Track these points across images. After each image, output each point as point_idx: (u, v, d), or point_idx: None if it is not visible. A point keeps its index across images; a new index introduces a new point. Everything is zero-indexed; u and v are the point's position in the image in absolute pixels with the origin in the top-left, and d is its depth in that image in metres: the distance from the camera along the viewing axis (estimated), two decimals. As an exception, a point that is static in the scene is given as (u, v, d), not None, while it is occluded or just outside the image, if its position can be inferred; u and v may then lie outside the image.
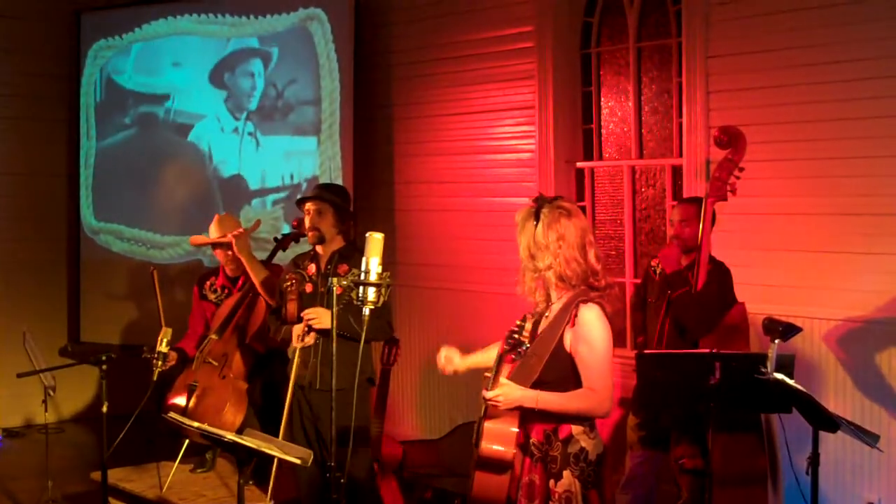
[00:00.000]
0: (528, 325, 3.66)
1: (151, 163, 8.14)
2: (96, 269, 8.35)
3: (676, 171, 6.02)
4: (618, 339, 4.09)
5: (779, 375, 3.69)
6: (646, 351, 4.81)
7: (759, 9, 5.39)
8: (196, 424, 4.02)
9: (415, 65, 7.16)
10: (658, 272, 5.16)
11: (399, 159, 7.32)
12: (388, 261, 4.05)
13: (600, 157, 6.50)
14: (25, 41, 8.27)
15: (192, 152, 7.97)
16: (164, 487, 5.74)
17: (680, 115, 5.91)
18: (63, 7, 8.41)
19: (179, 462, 5.90)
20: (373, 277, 3.87)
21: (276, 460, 4.93)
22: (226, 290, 6.05)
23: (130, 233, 8.22)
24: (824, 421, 3.79)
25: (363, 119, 7.30)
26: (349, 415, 4.21)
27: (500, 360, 3.62)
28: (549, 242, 3.51)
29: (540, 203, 3.58)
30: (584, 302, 3.50)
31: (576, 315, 3.48)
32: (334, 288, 4.07)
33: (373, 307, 3.91)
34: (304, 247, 5.65)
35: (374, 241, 3.91)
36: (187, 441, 5.81)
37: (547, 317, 3.59)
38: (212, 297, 6.07)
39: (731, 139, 4.76)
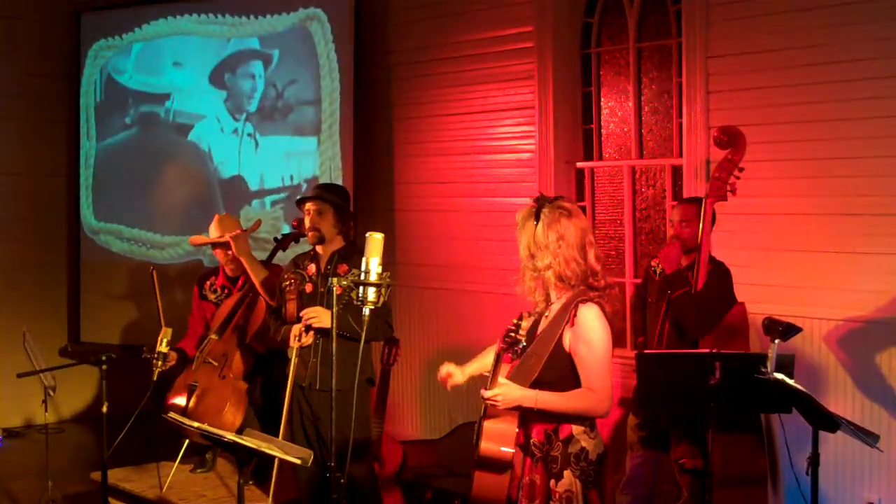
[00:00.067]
0: (525, 324, 3.67)
1: (151, 163, 8.14)
2: (96, 269, 8.35)
3: (676, 172, 6.02)
4: (618, 339, 4.09)
5: (779, 375, 3.69)
6: (646, 351, 4.81)
7: (759, 9, 5.39)
8: (196, 424, 4.02)
9: (415, 65, 7.16)
10: (658, 272, 5.16)
11: (399, 159, 7.32)
12: (388, 261, 4.05)
13: (600, 158, 6.50)
14: (25, 41, 8.27)
15: (193, 152, 7.97)
16: (164, 487, 5.75)
17: (680, 115, 5.91)
18: (63, 7, 8.41)
19: (179, 462, 5.91)
20: (373, 277, 3.87)
21: (276, 460, 4.93)
22: (226, 291, 6.05)
23: (130, 233, 8.22)
24: (824, 421, 3.79)
25: (363, 119, 7.30)
26: (349, 415, 4.21)
27: (498, 359, 3.62)
28: (549, 242, 3.51)
29: (540, 203, 3.58)
30: (584, 302, 3.50)
31: (575, 315, 3.48)
32: (334, 288, 4.07)
33: (373, 307, 3.91)
34: (304, 247, 5.65)
35: (374, 241, 3.91)
36: (187, 441, 5.81)
37: (546, 316, 3.59)
38: (212, 297, 6.07)
39: (731, 139, 4.76)
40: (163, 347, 5.46)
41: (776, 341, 3.77)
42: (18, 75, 8.22)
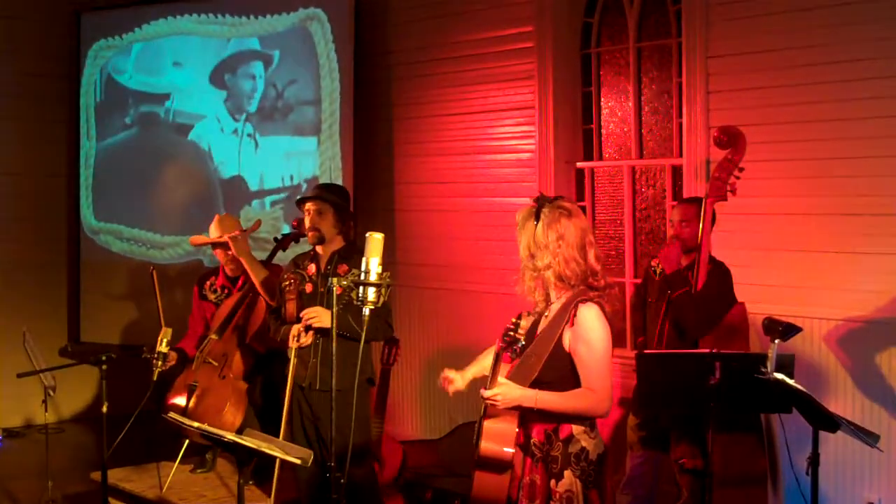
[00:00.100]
0: (524, 323, 3.67)
1: (151, 163, 8.14)
2: (96, 269, 8.35)
3: (676, 172, 6.02)
4: (618, 339, 4.09)
5: (779, 375, 3.69)
6: (646, 351, 4.81)
7: (759, 9, 5.39)
8: (196, 424, 4.02)
9: (415, 65, 7.16)
10: (658, 272, 5.16)
11: (399, 159, 7.32)
12: (388, 261, 4.05)
13: (600, 158, 6.50)
14: (25, 41, 8.27)
15: (193, 152, 7.97)
16: (164, 487, 5.75)
17: (680, 115, 5.91)
18: (63, 7, 8.41)
19: (179, 462, 5.90)
20: (373, 277, 3.87)
21: (277, 460, 4.93)
22: (226, 291, 6.05)
23: (130, 233, 8.22)
24: (824, 421, 3.78)
25: (363, 119, 7.30)
26: (349, 415, 4.21)
27: (498, 358, 3.61)
28: (549, 242, 3.51)
29: (541, 202, 3.58)
30: (584, 302, 3.50)
31: (575, 315, 3.48)
32: (334, 288, 4.07)
33: (373, 307, 3.91)
34: (304, 247, 5.65)
35: (374, 241, 3.91)
36: (187, 441, 5.81)
37: (546, 316, 3.59)
38: (212, 297, 6.07)
39: (731, 139, 4.76)
40: (163, 347, 5.46)
41: (776, 341, 3.77)
42: (18, 75, 8.22)
